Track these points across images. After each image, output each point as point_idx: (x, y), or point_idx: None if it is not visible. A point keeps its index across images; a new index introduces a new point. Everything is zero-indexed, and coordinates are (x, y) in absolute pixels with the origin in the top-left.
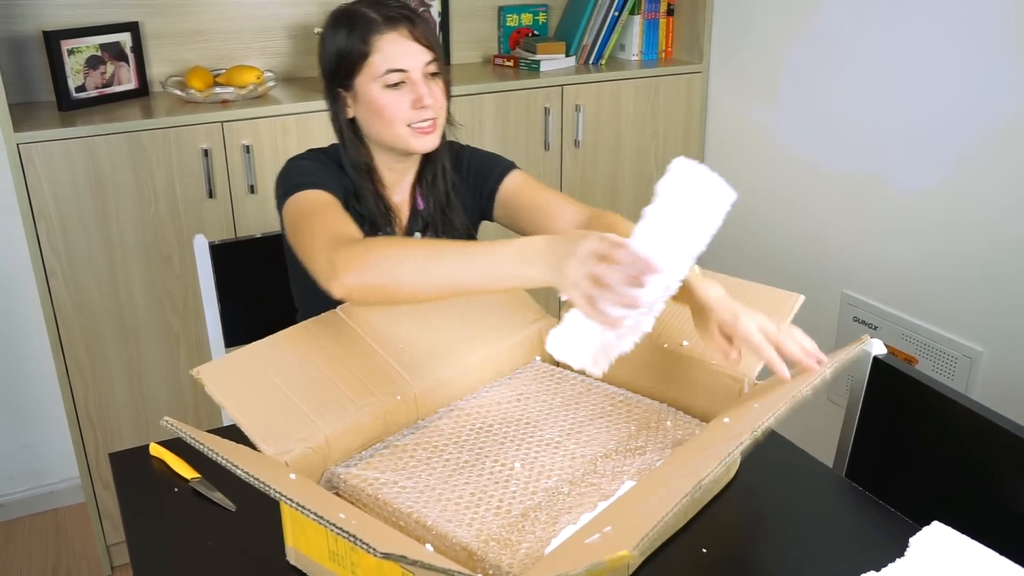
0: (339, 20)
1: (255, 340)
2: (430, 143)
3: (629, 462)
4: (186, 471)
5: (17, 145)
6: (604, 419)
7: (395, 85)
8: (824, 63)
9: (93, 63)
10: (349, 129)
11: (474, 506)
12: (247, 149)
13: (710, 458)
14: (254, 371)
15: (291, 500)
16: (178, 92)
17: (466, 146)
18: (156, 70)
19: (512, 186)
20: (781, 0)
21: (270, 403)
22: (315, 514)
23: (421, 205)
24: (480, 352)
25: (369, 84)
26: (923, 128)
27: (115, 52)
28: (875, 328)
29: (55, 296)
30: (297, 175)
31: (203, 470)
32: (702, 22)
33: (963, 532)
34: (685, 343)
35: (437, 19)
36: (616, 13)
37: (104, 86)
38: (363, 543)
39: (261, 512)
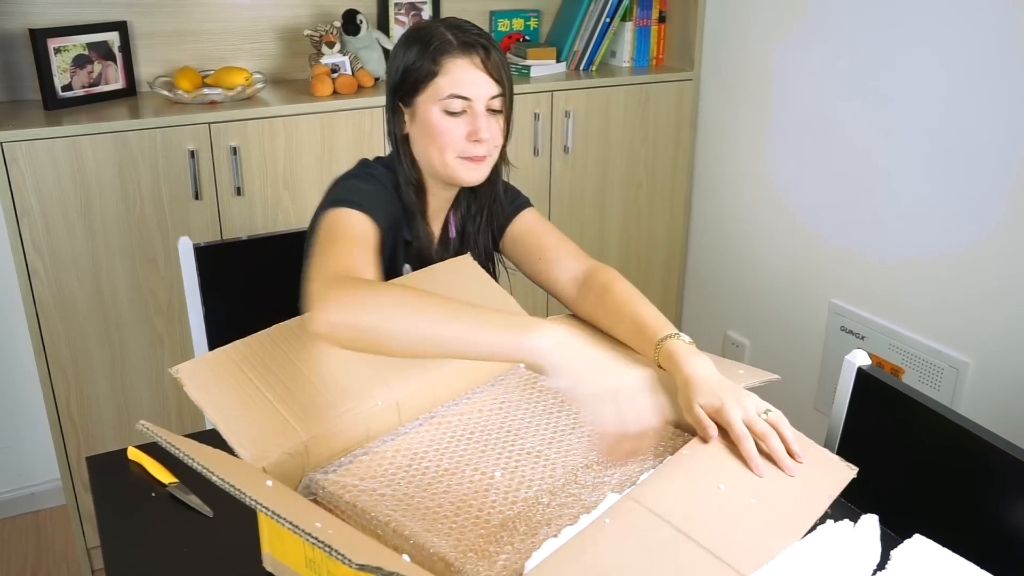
0: (416, 34)
1: None
2: (477, 176)
3: (610, 473)
4: (164, 476)
5: (1, 144)
6: (586, 428)
7: (455, 113)
8: (815, 72)
9: (80, 62)
10: (404, 145)
11: (453, 515)
12: (234, 151)
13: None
14: (234, 372)
15: (266, 508)
16: (166, 93)
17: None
18: (144, 70)
19: (523, 224)
20: (772, 8)
21: (249, 406)
22: (290, 523)
23: (453, 234)
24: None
25: (430, 105)
26: (913, 138)
27: (103, 51)
28: (862, 338)
29: (38, 296)
30: (352, 191)
31: (181, 475)
32: (693, 29)
33: (944, 545)
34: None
35: None
36: (608, 19)
37: (91, 85)
38: (338, 553)
39: (239, 518)
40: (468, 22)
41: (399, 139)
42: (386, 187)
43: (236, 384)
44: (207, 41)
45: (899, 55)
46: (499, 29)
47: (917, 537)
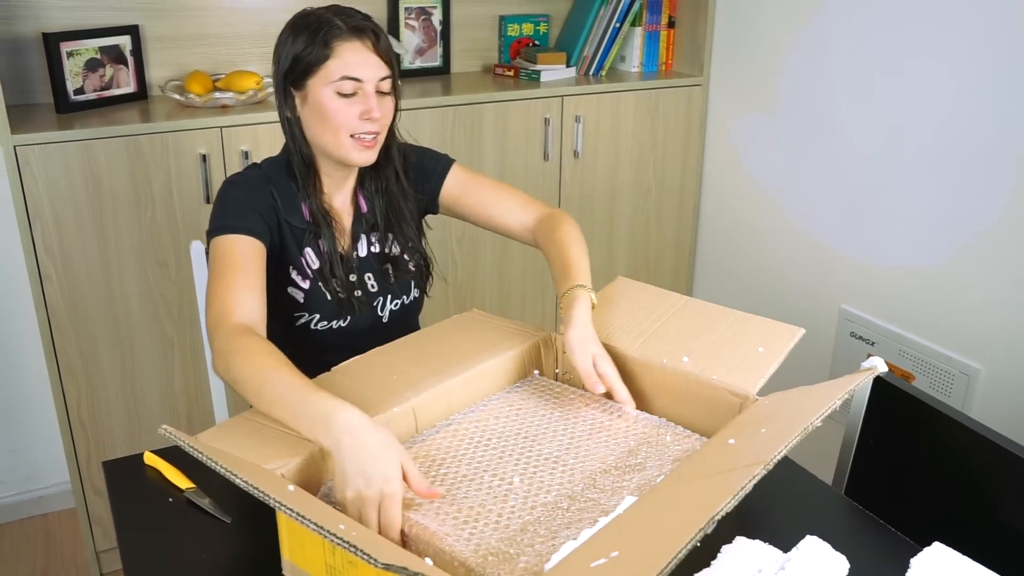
0: (303, 21)
1: None
2: (368, 157)
3: (628, 478)
4: (181, 481)
5: (14, 147)
6: (603, 433)
7: (347, 95)
8: (824, 78)
9: (92, 66)
10: (296, 127)
11: (472, 520)
12: (246, 155)
13: (722, 489)
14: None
15: (292, 511)
16: (177, 96)
17: (404, 143)
18: (155, 74)
19: (454, 184)
20: (782, 14)
21: (263, 431)
22: (316, 524)
23: (365, 208)
24: (479, 366)
25: (322, 87)
26: (923, 143)
27: (114, 55)
28: (872, 344)
29: (49, 300)
30: (225, 212)
31: (198, 480)
32: (703, 35)
33: (963, 552)
34: (685, 359)
35: (438, 27)
36: (617, 24)
37: (103, 89)
38: (364, 554)
39: (257, 523)
40: (353, 8)
41: (291, 122)
42: (258, 186)
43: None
44: (217, 45)
45: (907, 61)
46: (508, 34)
47: (936, 545)
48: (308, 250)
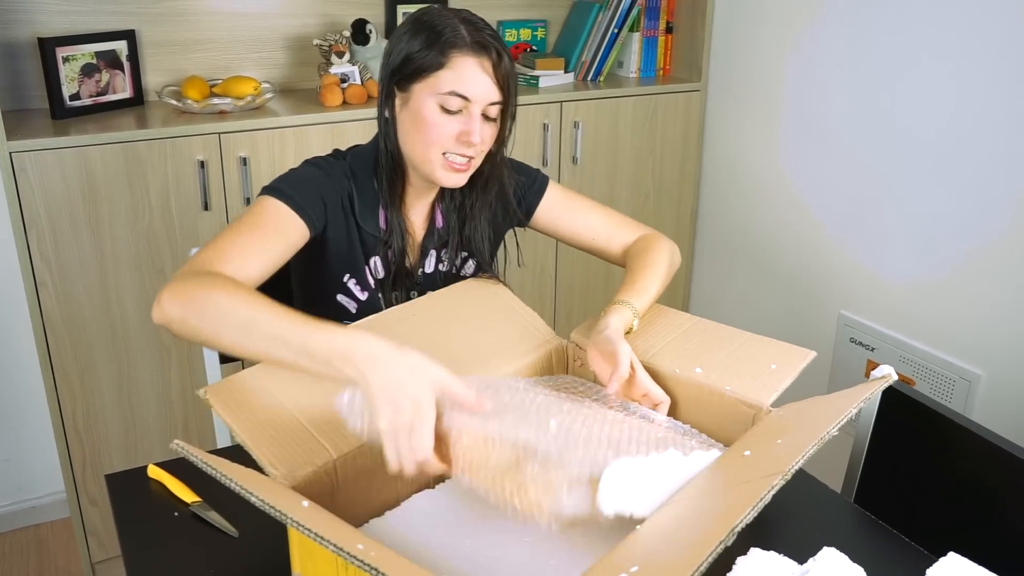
0: (426, 19)
1: None
2: (457, 180)
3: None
4: (186, 495)
5: (10, 153)
6: (630, 429)
7: (451, 111)
8: (823, 83)
9: (88, 71)
10: (391, 127)
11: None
12: (244, 161)
13: (740, 501)
14: (262, 391)
15: (309, 530)
16: (174, 102)
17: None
18: (151, 79)
19: (551, 205)
20: (780, 20)
21: (277, 425)
22: (334, 545)
23: (440, 223)
24: (492, 374)
25: (427, 96)
26: (924, 149)
27: (110, 60)
28: (872, 350)
29: (45, 307)
30: (290, 181)
31: (204, 494)
32: (701, 40)
33: (975, 561)
34: (698, 370)
35: None
36: (616, 30)
37: (99, 94)
38: (381, 575)
39: (265, 538)
40: (483, 20)
41: (387, 121)
42: (339, 179)
43: (263, 403)
44: (214, 50)
45: (908, 66)
46: (507, 39)
47: (952, 555)
48: (376, 259)
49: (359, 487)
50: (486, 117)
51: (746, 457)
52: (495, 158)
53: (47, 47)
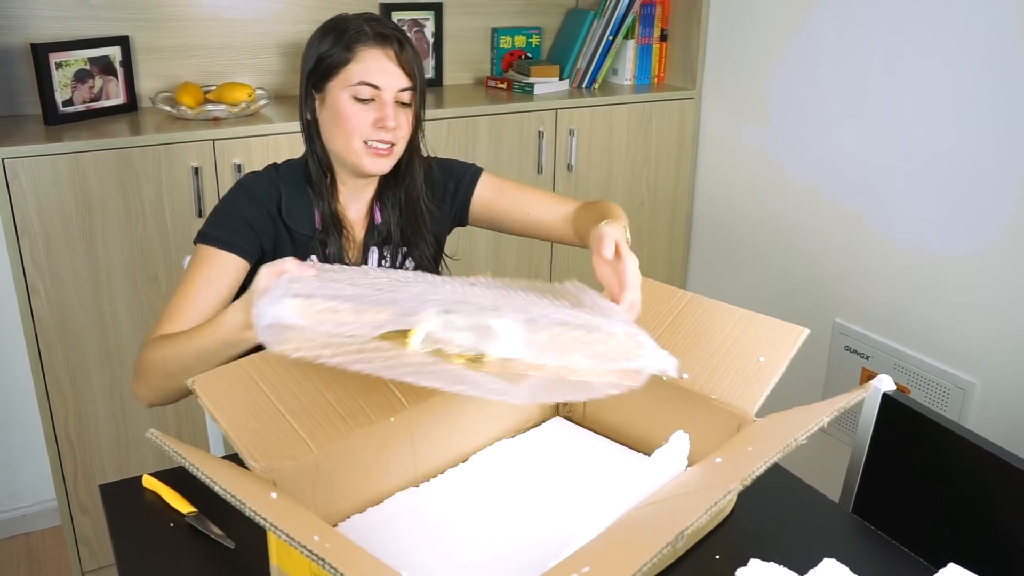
0: (332, 24)
1: None
2: (381, 166)
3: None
4: (182, 505)
5: (2, 160)
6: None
7: (364, 100)
8: (818, 89)
9: (81, 77)
10: (314, 129)
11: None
12: (238, 168)
13: (695, 505)
14: (249, 384)
15: (265, 520)
16: (168, 108)
17: (429, 157)
18: (145, 85)
19: (484, 191)
20: (774, 27)
21: (262, 418)
22: (287, 535)
23: (379, 219)
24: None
25: (340, 91)
26: (918, 156)
27: (103, 66)
28: (867, 358)
29: (36, 314)
30: (219, 219)
31: (200, 504)
32: (695, 48)
33: (976, 572)
34: (685, 375)
35: (431, 39)
36: (611, 37)
37: (92, 100)
38: (332, 567)
39: (262, 549)
40: (386, 17)
41: (309, 124)
42: (266, 190)
43: (250, 396)
44: (208, 56)
45: (902, 73)
46: (501, 46)
47: (952, 566)
48: (313, 258)
49: (341, 483)
50: (400, 103)
51: (716, 464)
52: (414, 143)
53: (40, 53)
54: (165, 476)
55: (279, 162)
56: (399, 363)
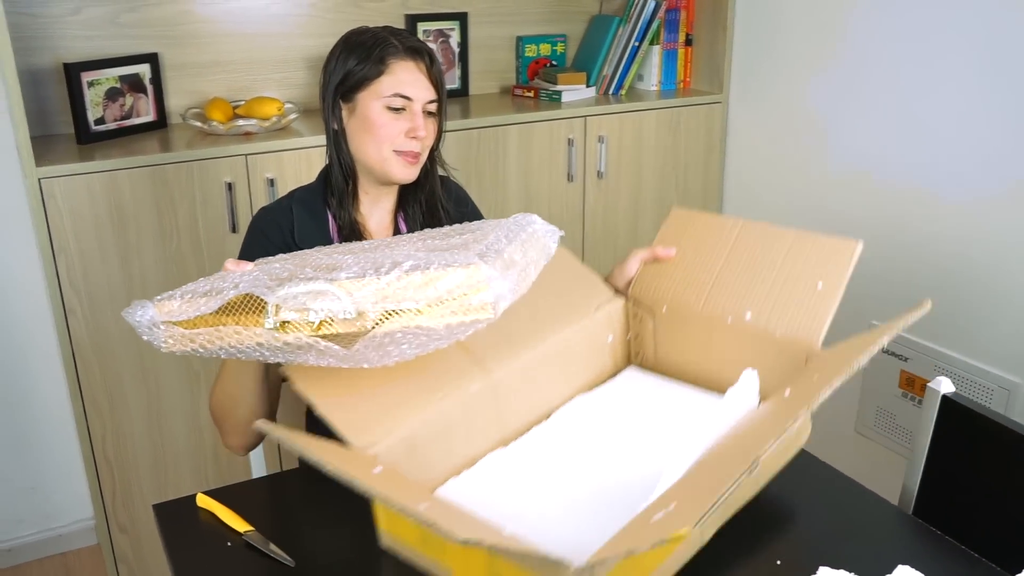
0: (358, 37)
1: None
2: (409, 174)
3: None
4: (238, 524)
5: (39, 180)
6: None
7: (396, 110)
8: (846, 91)
9: (112, 95)
10: (341, 138)
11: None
12: (271, 182)
13: (767, 433)
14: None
15: (378, 494)
16: (199, 124)
17: (452, 179)
18: (173, 101)
19: None
20: (800, 29)
21: (355, 397)
22: (400, 507)
23: (404, 229)
24: (554, 336)
25: (371, 101)
26: (954, 154)
27: (134, 84)
28: (906, 360)
29: (73, 334)
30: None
31: (256, 522)
32: (721, 52)
33: None
34: (748, 316)
35: (456, 49)
36: (636, 43)
37: (123, 118)
38: (443, 531)
39: (322, 565)
40: (407, 31)
41: (336, 133)
42: (275, 220)
43: (341, 378)
44: (235, 71)
45: (934, 76)
46: (526, 54)
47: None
48: None
49: (435, 450)
50: (427, 113)
51: (785, 397)
52: (435, 152)
53: (72, 72)
54: (219, 494)
55: (294, 188)
56: (249, 341)
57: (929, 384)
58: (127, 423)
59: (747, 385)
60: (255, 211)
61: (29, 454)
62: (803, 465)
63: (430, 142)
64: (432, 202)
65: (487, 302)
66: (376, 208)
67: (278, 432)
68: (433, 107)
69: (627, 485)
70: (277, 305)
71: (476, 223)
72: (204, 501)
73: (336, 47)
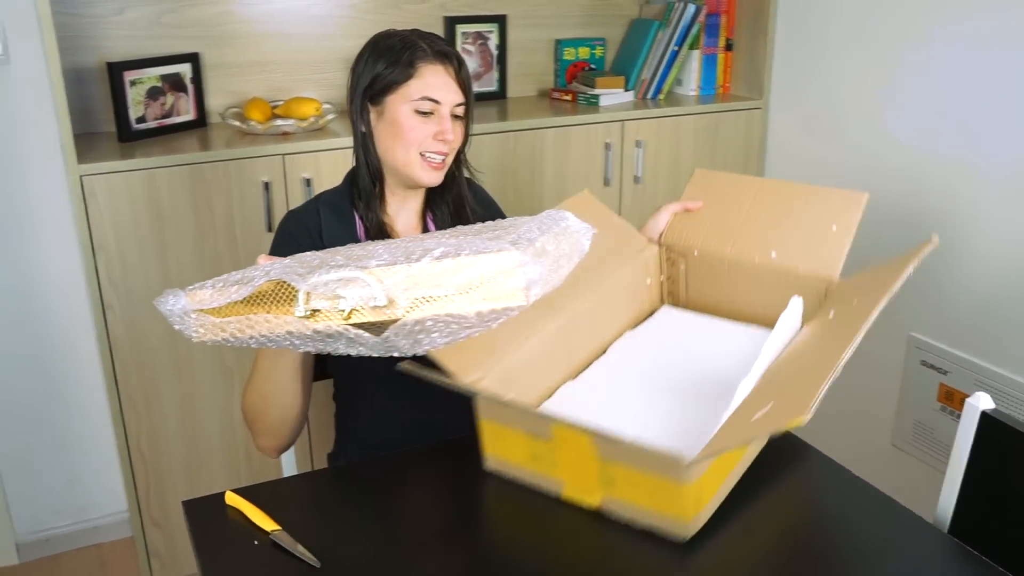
0: (387, 41)
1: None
2: (435, 177)
3: None
4: (265, 522)
5: (80, 177)
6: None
7: (424, 114)
8: (888, 98)
9: (153, 94)
10: (369, 140)
11: None
12: (307, 182)
13: (843, 335)
14: None
15: (497, 400)
16: (237, 124)
17: (477, 182)
18: (213, 101)
19: None
20: (843, 35)
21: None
22: (522, 409)
23: (432, 229)
24: (606, 280)
25: (400, 104)
26: (1000, 164)
27: (175, 83)
28: (945, 373)
29: (111, 330)
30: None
31: (283, 521)
32: (762, 57)
33: None
34: (773, 255)
35: (494, 52)
36: (675, 47)
37: (163, 117)
38: (570, 423)
39: (348, 567)
40: (435, 34)
41: (364, 135)
42: (303, 224)
43: None
44: (275, 72)
45: (982, 83)
46: (564, 58)
47: None
48: None
49: (519, 384)
50: (454, 116)
51: (831, 318)
52: (461, 154)
53: (115, 71)
54: (248, 493)
55: (320, 192)
56: (280, 329)
57: (968, 400)
58: (161, 419)
59: (795, 310)
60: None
61: (68, 447)
62: (836, 480)
63: (457, 145)
64: (459, 203)
65: (519, 288)
66: (403, 209)
67: (418, 371)
68: (460, 110)
69: (698, 399)
70: (308, 293)
71: (508, 219)
72: (233, 499)
73: (364, 50)
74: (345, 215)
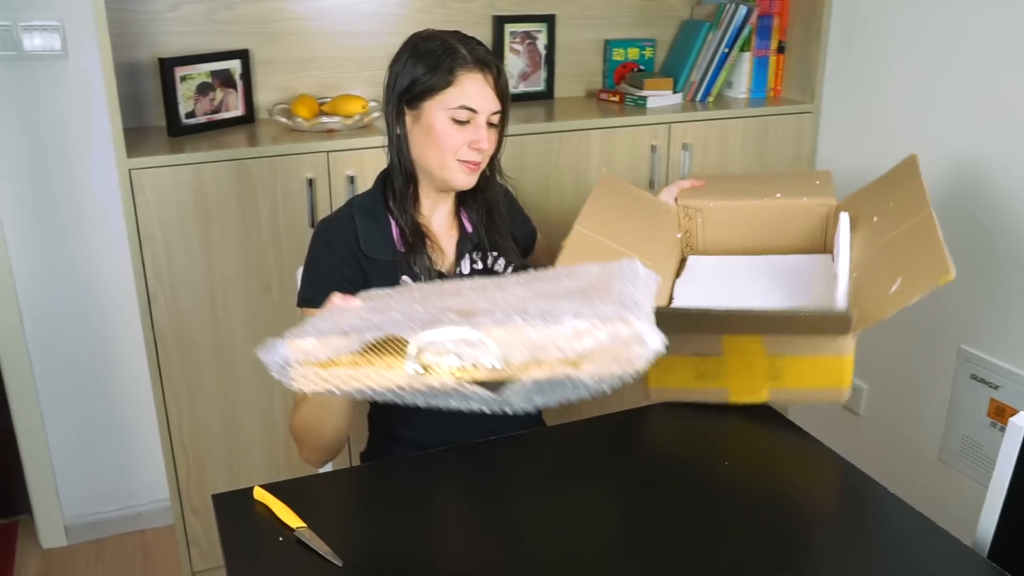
0: (426, 44)
1: None
2: (469, 181)
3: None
4: (291, 519)
5: (129, 171)
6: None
7: (461, 121)
8: (944, 105)
9: (203, 89)
10: (404, 143)
11: None
12: (351, 180)
13: (916, 211)
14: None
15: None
16: (284, 120)
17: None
18: (262, 97)
19: (542, 247)
20: (898, 38)
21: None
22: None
23: (470, 228)
24: (654, 234)
25: (437, 111)
26: None
27: (224, 79)
28: (996, 388)
29: (156, 322)
30: (308, 278)
31: (309, 519)
32: (815, 61)
33: None
34: (778, 195)
35: (543, 52)
36: (726, 49)
37: (212, 112)
38: (744, 311)
39: (369, 566)
40: (475, 39)
41: (399, 138)
42: (339, 232)
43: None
44: (324, 68)
45: None
46: (614, 58)
47: None
48: (404, 278)
49: None
50: (489, 124)
51: (875, 221)
52: (495, 159)
53: (167, 67)
54: (276, 489)
55: (353, 197)
56: (389, 383)
57: (1012, 419)
58: (203, 410)
59: (845, 222)
60: (334, 208)
61: (115, 433)
62: (876, 499)
63: (491, 151)
64: (491, 204)
65: (641, 355)
66: (437, 210)
67: None
68: (496, 118)
69: (798, 290)
70: (420, 348)
71: (578, 267)
72: (260, 494)
73: (403, 50)
74: (380, 218)
